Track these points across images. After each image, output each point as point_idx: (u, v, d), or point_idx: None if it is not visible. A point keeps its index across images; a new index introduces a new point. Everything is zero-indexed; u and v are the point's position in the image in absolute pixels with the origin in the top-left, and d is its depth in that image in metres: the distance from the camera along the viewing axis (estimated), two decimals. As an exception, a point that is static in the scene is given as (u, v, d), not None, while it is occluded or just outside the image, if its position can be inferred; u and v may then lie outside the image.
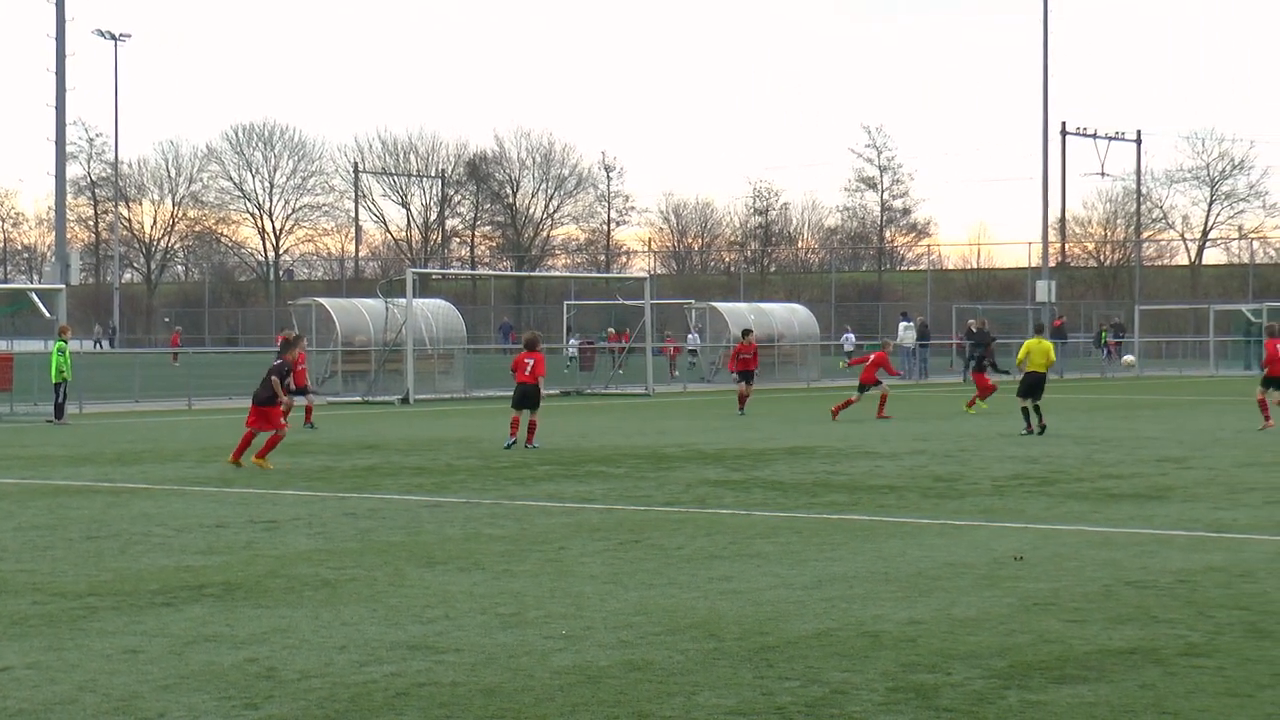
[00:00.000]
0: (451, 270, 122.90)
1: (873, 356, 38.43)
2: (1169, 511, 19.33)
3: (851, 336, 78.19)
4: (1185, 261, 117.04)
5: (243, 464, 25.04)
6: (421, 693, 10.14)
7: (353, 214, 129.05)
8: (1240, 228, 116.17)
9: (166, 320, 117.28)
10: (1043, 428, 32.04)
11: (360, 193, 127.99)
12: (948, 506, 19.96)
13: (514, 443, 28.94)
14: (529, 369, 29.24)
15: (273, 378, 25.77)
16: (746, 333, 44.05)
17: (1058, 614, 12.61)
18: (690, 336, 69.20)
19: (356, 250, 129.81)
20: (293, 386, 27.55)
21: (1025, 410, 32.54)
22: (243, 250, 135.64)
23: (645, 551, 16.04)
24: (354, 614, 12.72)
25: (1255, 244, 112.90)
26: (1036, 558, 15.42)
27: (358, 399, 47.74)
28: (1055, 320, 79.92)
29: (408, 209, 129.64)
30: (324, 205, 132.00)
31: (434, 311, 53.93)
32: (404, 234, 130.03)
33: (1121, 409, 39.57)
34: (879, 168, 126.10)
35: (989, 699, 9.95)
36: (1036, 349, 33.49)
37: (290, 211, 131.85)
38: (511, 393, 30.00)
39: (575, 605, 13.06)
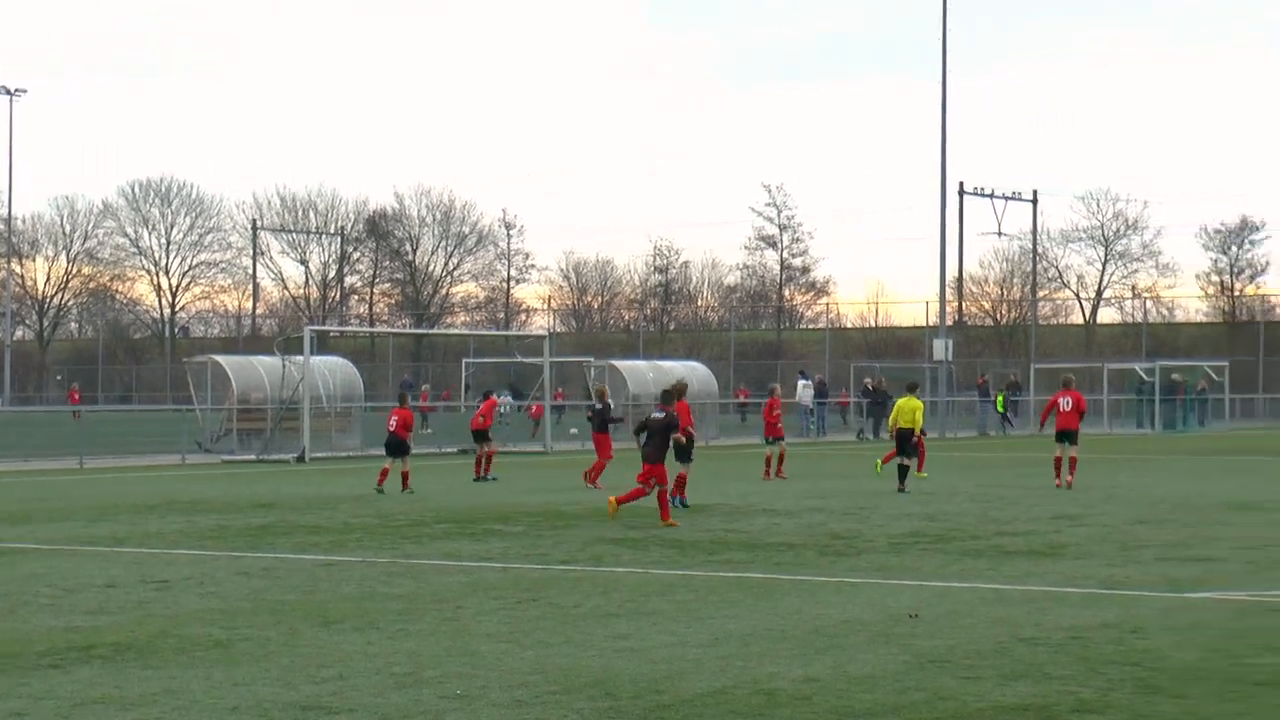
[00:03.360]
0: (350, 328, 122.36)
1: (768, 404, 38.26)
2: (1062, 568, 19.46)
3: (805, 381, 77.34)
4: (1080, 320, 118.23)
5: None
6: (313, 754, 10.04)
7: (250, 271, 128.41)
8: (1134, 287, 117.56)
9: (59, 378, 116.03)
10: (902, 488, 32.34)
11: (258, 250, 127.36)
12: (844, 564, 20.01)
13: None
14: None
15: None
16: (774, 389, 40.25)
17: (952, 671, 12.65)
18: (504, 398, 69.10)
19: (254, 307, 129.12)
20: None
21: (903, 469, 32.95)
22: (138, 307, 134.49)
23: (542, 610, 15.98)
24: (247, 674, 12.59)
25: (1149, 303, 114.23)
26: (931, 615, 15.47)
27: (253, 457, 47.37)
28: (979, 379, 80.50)
29: (306, 266, 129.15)
30: (221, 262, 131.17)
31: (331, 369, 53.60)
32: (302, 291, 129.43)
33: (1017, 466, 39.84)
34: (779, 226, 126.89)
35: (883, 756, 9.95)
36: (905, 407, 33.94)
37: (187, 268, 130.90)
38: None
39: (471, 664, 12.99)
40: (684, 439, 27.61)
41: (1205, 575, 18.73)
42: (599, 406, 36.61)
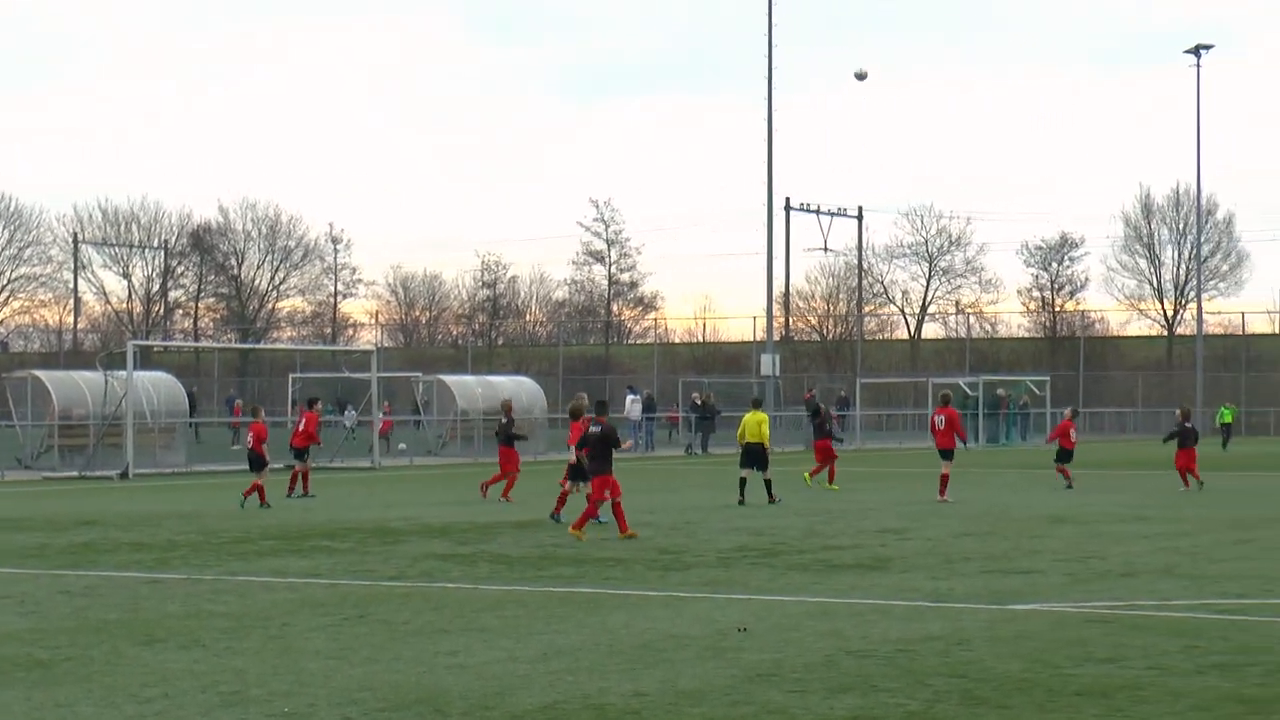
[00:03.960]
0: (174, 342, 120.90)
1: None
2: (888, 581, 19.67)
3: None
4: (905, 335, 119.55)
5: None
6: (138, 774, 9.92)
7: (71, 285, 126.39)
8: (957, 303, 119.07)
9: None
10: (772, 500, 32.85)
11: (80, 263, 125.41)
12: (672, 578, 20.08)
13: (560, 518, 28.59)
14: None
15: None
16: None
17: (780, 684, 12.75)
18: (348, 413, 68.91)
19: (75, 322, 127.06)
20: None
21: (743, 481, 33.21)
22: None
23: (370, 626, 15.89)
24: (68, 694, 12.40)
25: (972, 318, 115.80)
26: (760, 629, 15.58)
27: (75, 474, 46.66)
28: (806, 394, 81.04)
29: (129, 280, 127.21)
30: (41, 276, 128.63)
31: (155, 384, 52.94)
32: (125, 305, 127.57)
33: (843, 481, 40.15)
34: (607, 242, 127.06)
35: (712, 770, 10.00)
36: (750, 421, 34.27)
37: (5, 282, 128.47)
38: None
39: (299, 682, 12.88)
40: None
41: (1027, 587, 19.02)
42: (504, 420, 36.39)
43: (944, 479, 34.40)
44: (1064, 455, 39.22)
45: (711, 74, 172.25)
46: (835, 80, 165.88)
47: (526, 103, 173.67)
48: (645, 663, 13.73)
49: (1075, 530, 26.95)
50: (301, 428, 36.69)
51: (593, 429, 26.49)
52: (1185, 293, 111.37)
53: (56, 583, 19.85)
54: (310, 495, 35.52)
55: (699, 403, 67.48)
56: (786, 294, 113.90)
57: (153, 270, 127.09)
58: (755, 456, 33.81)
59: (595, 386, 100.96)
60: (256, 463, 33.50)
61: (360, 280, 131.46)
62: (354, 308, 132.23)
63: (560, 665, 13.60)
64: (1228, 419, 71.36)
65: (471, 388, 64.61)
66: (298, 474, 36.26)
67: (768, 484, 33.45)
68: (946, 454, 34.77)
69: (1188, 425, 38.85)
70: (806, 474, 39.45)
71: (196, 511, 31.85)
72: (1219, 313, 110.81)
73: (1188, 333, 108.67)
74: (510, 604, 17.59)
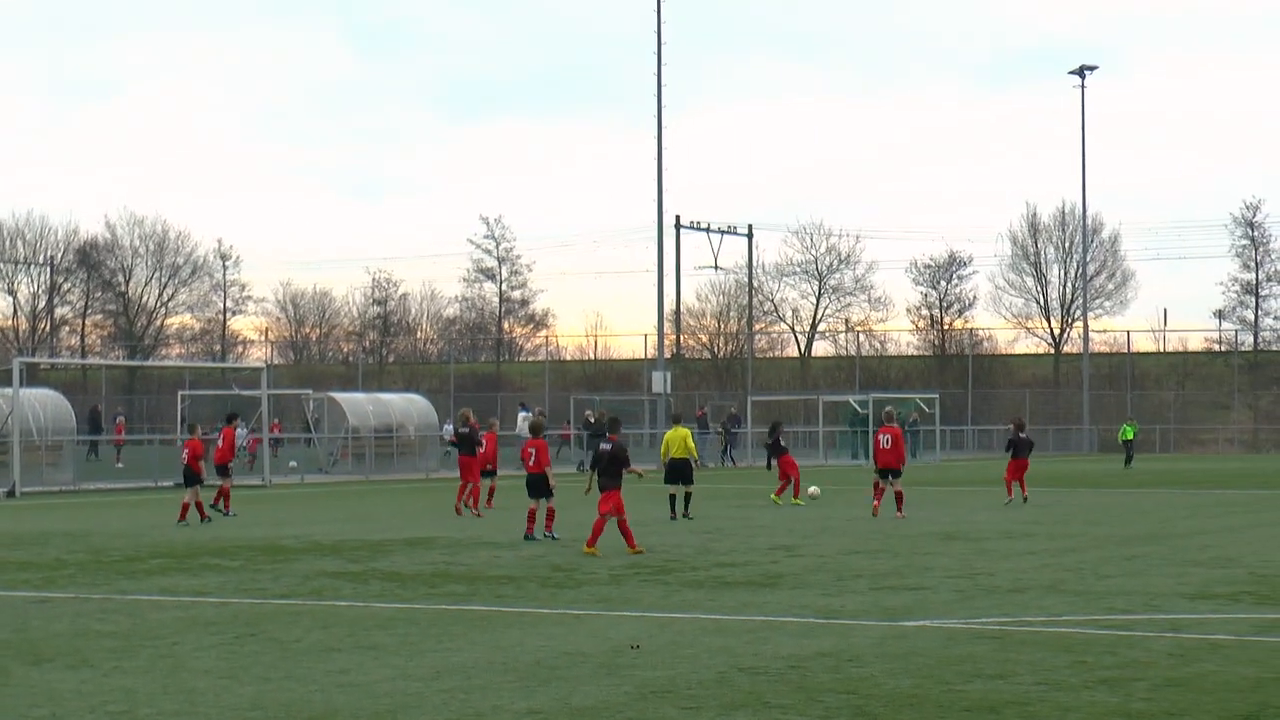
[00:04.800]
0: (61, 359, 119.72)
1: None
2: (780, 598, 19.76)
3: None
4: (795, 353, 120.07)
5: None
6: (27, 796, 9.83)
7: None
8: (847, 321, 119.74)
9: None
10: (687, 515, 33.50)
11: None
12: (565, 596, 20.09)
13: (533, 537, 28.47)
14: (533, 458, 28.53)
15: None
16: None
17: (674, 701, 12.78)
18: (240, 430, 68.59)
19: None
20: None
21: (673, 497, 33.73)
22: None
23: (261, 645, 15.80)
24: (-45, 715, 12.26)
25: (861, 337, 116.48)
26: (653, 646, 15.61)
27: (-40, 492, 46.08)
28: (698, 411, 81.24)
29: (14, 296, 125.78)
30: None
31: (42, 402, 52.41)
32: (10, 322, 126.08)
33: (735, 498, 40.33)
34: (497, 259, 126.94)
35: (606, 787, 10.01)
36: (675, 437, 34.46)
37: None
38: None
39: (189, 701, 12.80)
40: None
41: (917, 604, 19.16)
42: (464, 431, 36.44)
43: (899, 496, 34.35)
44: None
45: (602, 92, 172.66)
46: (724, 98, 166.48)
47: (415, 119, 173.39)
48: (539, 680, 13.73)
49: (964, 547, 27.16)
50: (221, 444, 36.24)
51: (604, 446, 26.77)
52: (1071, 311, 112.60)
53: (-59, 602, 19.61)
54: (233, 513, 35.14)
55: (591, 420, 67.53)
56: (677, 312, 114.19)
57: (39, 286, 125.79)
58: (682, 472, 34.14)
59: (486, 403, 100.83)
60: (191, 478, 33.33)
61: (249, 297, 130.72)
62: (243, 324, 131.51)
63: (453, 683, 13.58)
64: (1129, 435, 71.99)
65: (363, 405, 64.36)
66: (223, 491, 35.72)
67: (688, 498, 33.76)
68: (895, 473, 34.64)
69: (1022, 436, 39.37)
70: (774, 494, 39.32)
71: (84, 530, 31.55)
72: (1105, 331, 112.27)
73: (1074, 351, 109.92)
74: (402, 622, 17.54)
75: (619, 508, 26.17)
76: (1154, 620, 17.72)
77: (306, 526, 32.46)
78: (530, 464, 28.63)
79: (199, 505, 33.11)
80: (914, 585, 21.14)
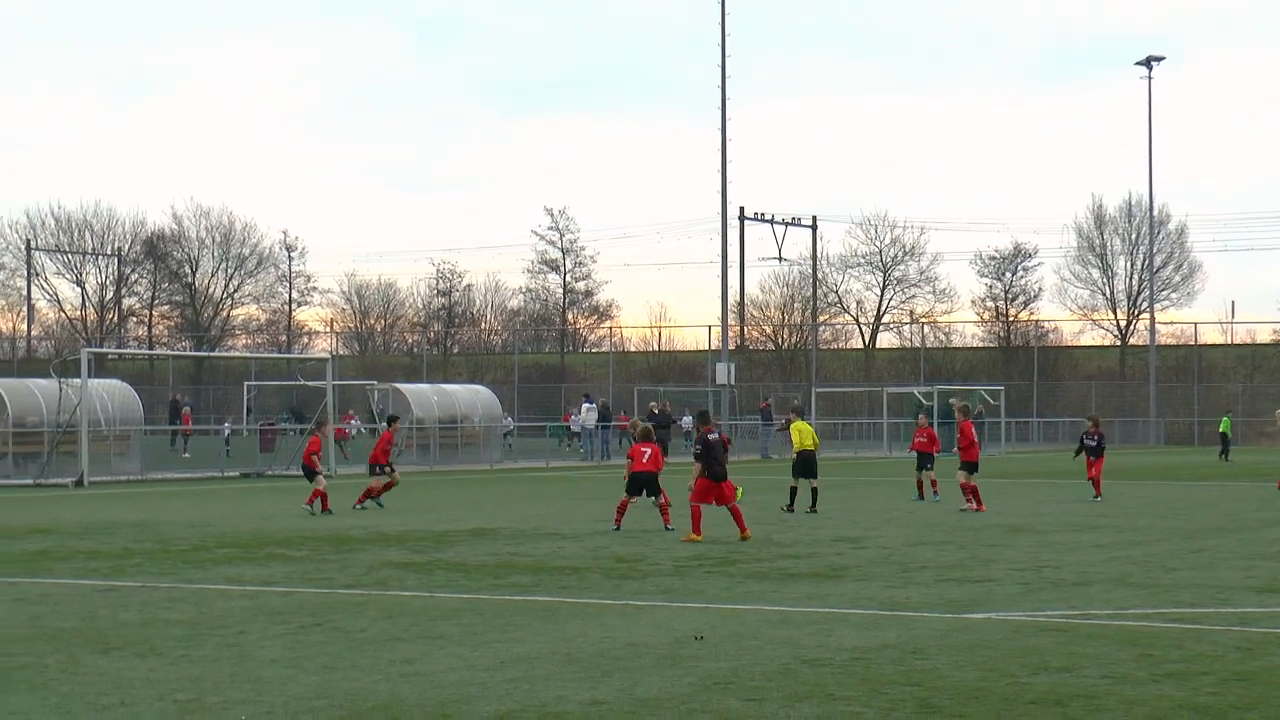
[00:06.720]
0: (128, 350, 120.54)
1: None
2: (844, 590, 19.72)
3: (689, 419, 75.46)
4: (860, 345, 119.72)
5: None
6: (95, 783, 9.89)
7: (25, 292, 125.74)
8: (911, 312, 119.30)
9: None
10: (814, 510, 33.31)
11: (33, 270, 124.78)
12: (629, 587, 20.09)
13: (619, 529, 28.74)
14: (645, 458, 29.04)
15: None
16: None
17: (737, 693, 12.77)
18: (352, 421, 68.91)
19: (29, 329, 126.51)
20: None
21: (794, 490, 33.79)
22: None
23: (327, 634, 15.86)
24: (23, 703, 12.35)
25: (926, 328, 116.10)
26: (716, 637, 15.60)
27: (29, 481, 46.46)
28: (761, 403, 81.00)
29: (83, 287, 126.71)
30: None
31: (110, 392, 52.78)
32: (79, 313, 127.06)
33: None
34: (561, 250, 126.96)
35: (670, 778, 10.01)
36: (805, 428, 34.40)
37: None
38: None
39: (255, 690, 12.86)
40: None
41: (982, 596, 19.09)
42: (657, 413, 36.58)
43: (974, 490, 34.17)
44: (926, 462, 38.74)
45: (664, 84, 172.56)
46: (788, 90, 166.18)
47: (477, 113, 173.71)
48: (602, 671, 13.74)
49: (1031, 539, 27.05)
50: (377, 444, 36.31)
51: (711, 436, 27.45)
52: (1138, 303, 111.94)
53: (11, 591, 19.76)
54: (364, 506, 34.99)
55: (655, 411, 67.52)
56: (741, 303, 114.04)
57: (106, 277, 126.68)
58: (810, 465, 34.04)
59: (551, 395, 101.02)
60: (308, 473, 33.95)
61: (314, 288, 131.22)
62: (308, 316, 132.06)
63: (517, 673, 13.60)
64: (1227, 428, 71.33)
65: (427, 396, 64.54)
66: (370, 490, 35.49)
67: (814, 493, 33.64)
68: (972, 466, 34.58)
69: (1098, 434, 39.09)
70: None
71: (152, 519, 31.75)
72: (1171, 323, 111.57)
73: (1140, 343, 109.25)
74: (467, 612, 17.57)
75: (728, 494, 27.11)
76: (1221, 614, 17.61)
77: (371, 517, 32.57)
78: (644, 461, 28.95)
79: (323, 497, 33.25)
80: (979, 577, 21.06)
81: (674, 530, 27.85)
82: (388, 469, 35.59)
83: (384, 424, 37.59)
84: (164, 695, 12.64)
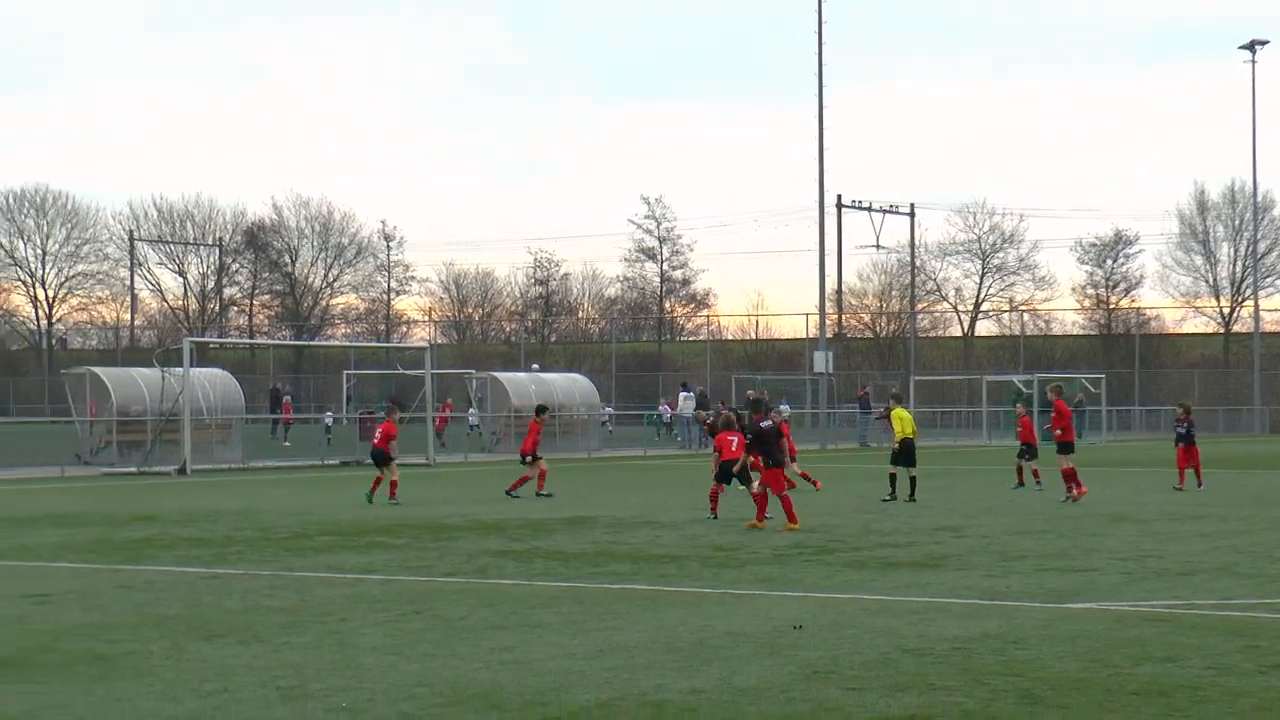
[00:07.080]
0: (229, 339, 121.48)
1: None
2: (944, 579, 19.63)
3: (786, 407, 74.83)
4: (958, 333, 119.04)
5: None
6: (199, 768, 9.97)
7: (128, 282, 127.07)
8: (1011, 300, 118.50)
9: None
10: (913, 498, 33.21)
11: (136, 260, 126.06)
12: (728, 575, 20.08)
13: (715, 517, 28.86)
14: (734, 446, 29.02)
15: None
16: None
17: (837, 682, 12.74)
18: (471, 411, 69.18)
19: (132, 319, 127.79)
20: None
21: (893, 477, 33.74)
22: (14, 319, 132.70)
23: (427, 622, 15.94)
24: (129, 689, 12.48)
25: (1025, 316, 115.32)
26: (815, 626, 15.56)
27: (133, 470, 46.94)
28: (860, 391, 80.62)
29: (184, 277, 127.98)
30: (98, 273, 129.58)
31: (211, 381, 53.25)
32: (181, 302, 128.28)
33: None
34: (658, 239, 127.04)
35: (770, 767, 9.99)
36: (906, 416, 34.64)
37: (63, 279, 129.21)
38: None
39: (356, 677, 12.94)
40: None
41: (1084, 585, 18.95)
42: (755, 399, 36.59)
43: (1072, 473, 33.89)
44: (1028, 451, 38.80)
45: (761, 71, 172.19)
46: (886, 77, 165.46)
47: (573, 101, 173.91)
48: (702, 659, 13.74)
49: (1133, 529, 26.83)
50: (528, 435, 36.32)
51: (765, 424, 27.76)
52: (1241, 290, 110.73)
53: (116, 578, 19.98)
54: (517, 495, 34.90)
55: (752, 399, 67.26)
56: (839, 291, 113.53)
57: (208, 267, 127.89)
58: (909, 453, 34.04)
59: (648, 383, 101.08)
60: (381, 458, 33.93)
61: (413, 277, 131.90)
62: (407, 305, 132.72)
63: (616, 662, 13.62)
64: None
65: (525, 385, 64.69)
66: (524, 479, 35.41)
67: (913, 481, 33.56)
68: (1068, 447, 34.42)
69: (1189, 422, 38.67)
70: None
71: (253, 507, 32.01)
72: (1276, 310, 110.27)
73: (1244, 330, 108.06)
74: (566, 600, 17.62)
75: (780, 483, 26.97)
76: (1327, 604, 17.41)
77: (470, 505, 32.71)
78: (732, 449, 28.92)
79: (392, 485, 33.43)
80: (1081, 567, 20.91)
81: (771, 519, 27.80)
82: (537, 458, 35.72)
83: (534, 414, 37.64)
84: (266, 682, 12.74)
